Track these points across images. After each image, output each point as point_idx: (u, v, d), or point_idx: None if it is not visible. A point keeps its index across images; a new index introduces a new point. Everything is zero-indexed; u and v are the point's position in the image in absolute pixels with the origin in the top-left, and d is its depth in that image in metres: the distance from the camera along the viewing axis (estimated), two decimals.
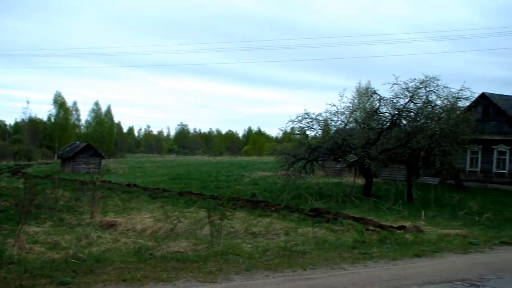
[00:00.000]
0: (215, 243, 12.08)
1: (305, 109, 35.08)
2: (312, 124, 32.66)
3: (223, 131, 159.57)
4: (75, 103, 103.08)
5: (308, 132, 33.68)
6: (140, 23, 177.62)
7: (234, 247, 11.67)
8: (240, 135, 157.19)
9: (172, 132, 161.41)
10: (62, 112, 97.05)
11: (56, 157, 77.00)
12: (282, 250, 11.56)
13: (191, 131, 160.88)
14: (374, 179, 36.51)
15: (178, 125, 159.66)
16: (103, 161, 60.12)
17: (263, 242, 13.84)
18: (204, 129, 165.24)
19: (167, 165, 66.53)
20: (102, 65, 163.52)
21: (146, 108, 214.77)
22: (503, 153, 41.08)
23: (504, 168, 41.04)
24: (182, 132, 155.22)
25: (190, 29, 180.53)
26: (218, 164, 66.87)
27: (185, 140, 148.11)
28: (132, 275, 8.93)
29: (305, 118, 32.25)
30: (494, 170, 41.62)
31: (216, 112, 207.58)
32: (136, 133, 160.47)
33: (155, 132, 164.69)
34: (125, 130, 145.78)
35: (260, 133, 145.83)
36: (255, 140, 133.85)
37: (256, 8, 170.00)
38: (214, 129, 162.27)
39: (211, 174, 45.91)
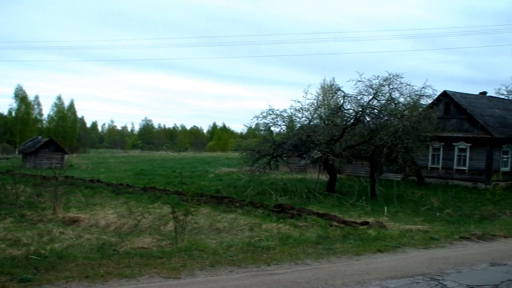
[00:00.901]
0: (179, 239, 12.03)
1: (269, 105, 35.14)
2: (277, 120, 32.76)
3: (188, 127, 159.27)
4: (37, 97, 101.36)
5: (272, 128, 33.77)
6: (105, 17, 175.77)
7: (198, 243, 11.65)
8: (205, 131, 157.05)
9: (136, 128, 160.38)
10: (24, 106, 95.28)
11: (17, 152, 75.80)
12: (246, 246, 11.58)
13: (156, 126, 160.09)
14: (338, 175, 36.79)
15: (143, 120, 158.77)
16: (66, 156, 59.37)
17: (228, 238, 13.85)
18: (169, 125, 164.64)
19: (131, 160, 66.07)
20: (66, 59, 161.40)
21: (110, 103, 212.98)
22: (464, 150, 41.82)
23: (464, 165, 41.79)
24: (147, 128, 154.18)
25: (156, 24, 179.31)
26: (183, 160, 66.68)
27: (149, 136, 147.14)
28: (95, 271, 8.85)
29: (270, 114, 32.32)
30: (455, 166, 42.34)
31: (181, 108, 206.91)
32: (99, 128, 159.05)
33: (119, 127, 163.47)
34: (88, 125, 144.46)
35: (225, 129, 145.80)
36: (220, 136, 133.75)
37: (223, 3, 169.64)
38: (178, 125, 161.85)
39: (175, 169, 45.74)
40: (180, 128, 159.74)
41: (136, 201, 24.55)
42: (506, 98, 61.18)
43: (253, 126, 38.65)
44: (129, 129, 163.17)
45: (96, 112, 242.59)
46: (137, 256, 10.16)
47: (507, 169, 42.13)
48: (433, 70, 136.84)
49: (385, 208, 24.41)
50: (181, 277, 8.81)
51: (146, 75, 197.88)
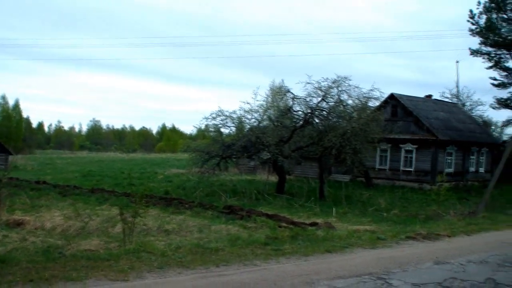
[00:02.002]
0: (127, 241, 11.90)
1: (219, 106, 35.21)
2: (226, 122, 32.75)
3: (137, 128, 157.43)
4: None
5: (222, 130, 33.80)
6: (54, 16, 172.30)
7: (147, 244, 11.54)
8: (154, 132, 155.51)
9: (84, 128, 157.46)
10: None
11: None
12: (195, 247, 11.53)
13: (104, 127, 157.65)
14: (287, 177, 37.03)
15: (91, 121, 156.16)
16: (10, 157, 57.79)
17: (176, 239, 13.75)
18: (118, 126, 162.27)
19: (78, 161, 65.02)
20: (10, 57, 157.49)
21: (57, 103, 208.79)
22: (410, 151, 42.67)
23: (411, 166, 42.65)
24: (95, 128, 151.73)
25: (105, 24, 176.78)
26: (132, 161, 66.03)
27: (97, 137, 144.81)
28: (39, 275, 8.66)
29: (220, 116, 32.29)
30: (402, 168, 43.18)
31: (130, 109, 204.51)
32: (46, 129, 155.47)
33: (66, 128, 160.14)
34: (34, 125, 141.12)
35: (174, 130, 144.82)
36: (170, 137, 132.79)
37: (174, 4, 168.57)
38: (127, 126, 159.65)
39: (124, 171, 45.18)
40: (129, 129, 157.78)
41: (84, 203, 24.08)
42: (450, 101, 62.63)
43: (202, 127, 38.67)
44: (76, 130, 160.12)
45: (42, 112, 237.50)
46: (84, 258, 9.99)
47: (451, 170, 43.20)
48: (381, 73, 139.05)
49: (334, 209, 24.65)
50: (129, 280, 8.72)
51: (95, 75, 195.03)
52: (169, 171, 48.14)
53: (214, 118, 32.31)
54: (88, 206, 22.83)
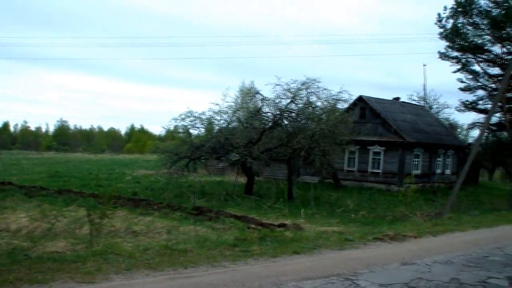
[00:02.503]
0: (94, 243, 11.79)
1: (188, 107, 35.11)
2: (195, 123, 32.62)
3: (105, 128, 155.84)
4: None
5: (191, 131, 33.62)
6: (20, 13, 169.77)
7: (114, 246, 11.44)
8: (123, 132, 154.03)
9: (51, 129, 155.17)
10: None
11: None
12: (163, 248, 11.46)
13: (72, 127, 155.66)
14: (256, 178, 37.08)
15: (58, 121, 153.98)
16: None
17: (144, 241, 13.67)
18: (86, 126, 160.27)
19: (45, 162, 63.99)
20: None
21: (23, 103, 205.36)
22: (378, 153, 43.07)
23: (378, 168, 43.06)
24: (62, 129, 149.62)
25: (75, 23, 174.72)
26: (99, 162, 65.33)
27: (65, 137, 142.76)
28: (4, 277, 8.52)
29: (189, 117, 32.15)
30: (370, 169, 43.58)
31: (98, 109, 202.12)
32: (12, 129, 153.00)
33: (32, 128, 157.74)
34: None
35: (143, 130, 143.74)
36: (138, 138, 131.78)
37: (144, 3, 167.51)
38: (95, 126, 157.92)
39: (91, 172, 44.63)
40: (97, 130, 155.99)
41: (50, 204, 23.73)
42: (417, 104, 63.50)
43: (171, 128, 38.42)
44: (43, 130, 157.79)
45: (8, 112, 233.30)
46: (50, 260, 9.85)
47: (418, 172, 43.73)
48: (350, 76, 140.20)
49: (302, 210, 24.77)
50: (96, 282, 8.63)
51: (63, 75, 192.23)
52: (137, 172, 47.78)
53: (183, 119, 32.20)
54: (55, 207, 22.50)
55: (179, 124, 32.89)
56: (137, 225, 17.69)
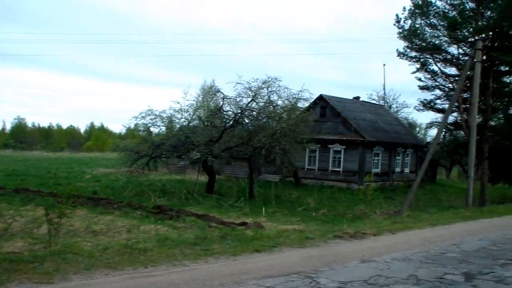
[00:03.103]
0: (53, 243, 11.60)
1: (148, 105, 34.95)
2: (156, 121, 32.46)
3: (64, 126, 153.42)
4: None
5: (152, 129, 33.44)
6: None
7: (73, 246, 11.28)
8: (82, 130, 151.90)
9: (8, 126, 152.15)
10: None
11: None
12: (123, 248, 11.35)
13: (30, 125, 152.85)
14: (217, 177, 37.06)
15: (15, 118, 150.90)
16: None
17: (104, 240, 13.52)
18: (44, 124, 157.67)
19: (2, 160, 62.74)
20: None
21: None
22: (339, 152, 43.46)
23: (339, 166, 43.45)
24: (19, 126, 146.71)
25: (32, 19, 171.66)
26: (58, 160, 64.38)
27: (22, 135, 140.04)
28: None
29: (149, 115, 31.99)
30: (330, 168, 43.95)
31: (57, 106, 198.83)
32: None
33: None
34: None
35: (103, 129, 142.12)
36: (98, 136, 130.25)
37: (101, 0, 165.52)
38: (54, 124, 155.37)
39: (50, 170, 43.98)
40: (56, 127, 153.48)
41: (7, 203, 23.26)
42: (377, 103, 64.30)
43: (132, 127, 38.09)
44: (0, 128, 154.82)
45: None
46: (7, 261, 9.65)
47: (378, 170, 44.27)
48: (311, 74, 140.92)
49: (263, 208, 24.83)
50: (54, 282, 8.50)
51: (19, 71, 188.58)
52: (97, 171, 47.26)
53: (143, 117, 32.01)
54: (12, 206, 22.10)
55: (140, 122, 32.72)
56: (97, 224, 17.51)
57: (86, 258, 10.11)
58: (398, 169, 48.67)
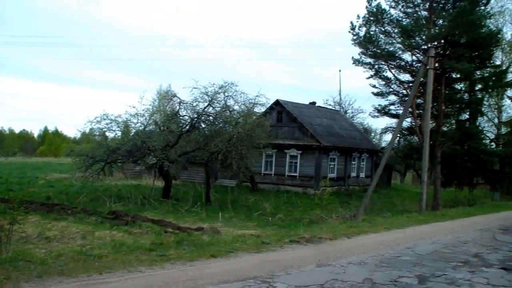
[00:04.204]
0: (3, 250, 11.33)
1: (104, 110, 34.55)
2: (111, 126, 32.11)
3: (17, 130, 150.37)
4: None
5: (107, 134, 33.08)
6: None
7: (25, 253, 11.05)
8: (36, 135, 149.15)
9: None
10: None
11: None
12: (77, 254, 11.17)
13: None
14: (174, 182, 36.86)
15: None
16: None
17: (58, 246, 13.28)
18: None
19: None
20: None
21: None
22: (295, 157, 43.70)
23: (295, 171, 43.69)
24: None
25: None
26: (10, 165, 62.98)
27: None
28: None
29: (104, 119, 31.63)
30: (287, 173, 44.15)
31: (9, 110, 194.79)
32: None
33: None
34: None
35: (57, 133, 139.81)
36: (52, 140, 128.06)
37: (59, 3, 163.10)
38: (6, 128, 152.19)
39: (1, 175, 42.84)
40: (8, 132, 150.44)
41: None
42: (333, 108, 64.97)
43: (87, 131, 37.60)
44: None
45: None
46: None
47: (333, 175, 44.66)
48: (268, 80, 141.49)
49: (220, 213, 24.81)
50: None
51: None
52: (51, 176, 46.46)
53: (99, 122, 31.65)
54: None
55: (95, 127, 32.35)
56: (50, 231, 17.18)
57: (39, 266, 9.91)
58: (353, 174, 49.18)
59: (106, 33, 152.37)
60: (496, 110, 51.48)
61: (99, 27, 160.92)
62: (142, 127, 32.86)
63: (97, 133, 33.72)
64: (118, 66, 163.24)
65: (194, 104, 32.40)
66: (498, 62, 46.52)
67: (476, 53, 37.21)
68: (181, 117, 33.16)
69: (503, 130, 51.83)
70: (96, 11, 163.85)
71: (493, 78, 41.17)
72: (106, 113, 31.71)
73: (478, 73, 40.86)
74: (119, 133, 33.76)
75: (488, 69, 41.45)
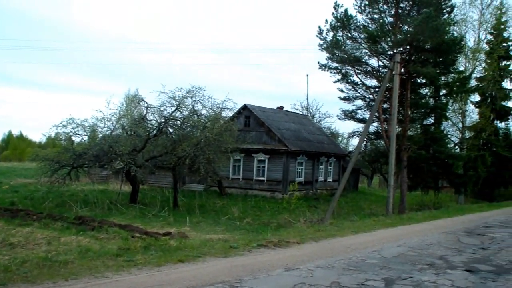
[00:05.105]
0: None
1: (70, 114, 34.29)
2: (78, 130, 31.79)
3: None
4: None
5: (73, 138, 32.76)
6: None
7: None
8: None
9: None
10: None
11: None
12: (42, 260, 11.02)
13: None
14: (141, 186, 36.61)
15: None
16: None
17: (22, 253, 13.09)
18: None
19: None
20: None
21: None
22: (263, 161, 43.77)
23: (263, 176, 43.76)
24: None
25: None
26: None
27: None
28: None
29: (71, 124, 31.29)
30: (255, 177, 44.18)
31: None
32: None
33: None
34: None
35: (22, 137, 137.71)
36: (16, 145, 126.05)
37: (22, 5, 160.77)
38: None
39: None
40: None
41: None
42: (300, 113, 65.29)
43: (52, 136, 37.18)
44: None
45: None
46: None
47: (301, 179, 44.83)
48: (237, 84, 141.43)
49: (188, 218, 24.75)
50: None
51: None
52: (15, 181, 45.78)
53: (65, 126, 31.30)
54: None
55: (61, 131, 32.01)
56: (14, 237, 16.91)
57: (2, 273, 9.75)
58: (321, 178, 49.43)
59: (73, 37, 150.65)
60: (460, 115, 52.26)
61: (65, 31, 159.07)
62: (109, 131, 32.63)
63: (63, 138, 33.41)
64: (86, 71, 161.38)
65: (162, 109, 32.39)
66: (462, 68, 47.26)
67: (441, 59, 37.75)
68: (148, 122, 33.03)
69: (467, 134, 52.70)
70: (63, 15, 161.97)
71: (457, 84, 41.77)
72: (72, 118, 31.44)
73: (443, 79, 41.47)
74: (86, 138, 33.50)
75: (452, 74, 42.10)
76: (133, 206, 30.17)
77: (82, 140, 33.53)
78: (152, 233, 18.25)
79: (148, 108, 32.70)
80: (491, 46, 50.98)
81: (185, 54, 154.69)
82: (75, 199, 31.41)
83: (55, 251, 13.00)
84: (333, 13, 37.66)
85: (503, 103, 53.22)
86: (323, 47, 38.11)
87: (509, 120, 55.66)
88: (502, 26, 51.34)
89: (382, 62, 38.35)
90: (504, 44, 51.80)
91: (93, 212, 26.60)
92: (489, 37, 51.97)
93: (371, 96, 41.07)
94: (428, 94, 43.51)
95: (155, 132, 32.42)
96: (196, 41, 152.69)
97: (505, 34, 52.08)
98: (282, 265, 11.56)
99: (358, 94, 42.88)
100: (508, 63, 53.25)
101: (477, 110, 53.44)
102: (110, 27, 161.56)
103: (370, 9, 38.45)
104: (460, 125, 52.54)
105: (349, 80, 41.34)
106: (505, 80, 53.41)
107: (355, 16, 37.87)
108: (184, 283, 9.45)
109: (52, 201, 30.32)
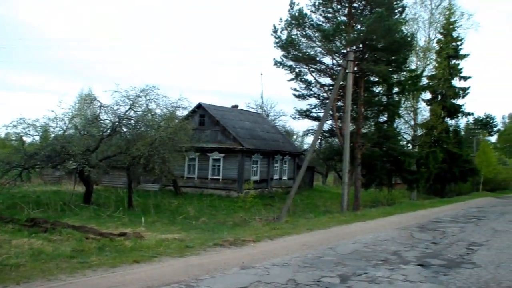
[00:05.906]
0: None
1: (20, 113, 33.54)
2: (29, 130, 31.05)
3: None
4: None
5: (25, 138, 32.11)
6: None
7: None
8: None
9: None
10: None
11: None
12: None
13: None
14: (95, 187, 36.16)
15: None
16: None
17: None
18: None
19: None
20: None
21: None
22: (218, 160, 43.75)
23: (218, 174, 43.74)
24: None
25: None
26: None
27: None
28: None
29: (21, 124, 30.51)
30: (210, 176, 44.13)
31: None
32: None
33: None
34: None
35: None
36: None
37: None
38: None
39: None
40: None
41: None
42: (255, 111, 65.42)
43: (2, 136, 36.42)
44: None
45: None
46: None
47: (256, 178, 44.97)
48: (192, 83, 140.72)
49: (143, 218, 24.51)
50: None
51: None
52: None
53: (15, 126, 30.51)
54: None
55: (11, 131, 31.27)
56: None
57: None
58: (276, 176, 49.64)
59: (22, 35, 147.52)
60: (412, 113, 53.31)
61: (15, 28, 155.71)
62: (62, 131, 32.04)
63: (14, 138, 32.75)
64: (37, 68, 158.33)
65: (115, 108, 31.99)
66: (413, 67, 48.23)
67: (393, 57, 38.39)
68: (102, 121, 32.60)
69: (419, 131, 53.78)
70: (11, 11, 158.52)
71: (409, 82, 42.54)
72: (23, 117, 30.71)
73: (395, 77, 42.19)
74: (37, 138, 32.87)
75: (404, 73, 42.90)
76: (87, 207, 29.73)
77: (34, 140, 32.94)
78: (107, 234, 18.01)
79: (102, 108, 32.30)
80: (441, 45, 52.30)
81: (141, 53, 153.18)
82: (27, 201, 30.77)
83: (6, 254, 12.72)
84: (289, 11, 37.78)
85: (453, 101, 54.61)
86: (278, 45, 38.24)
87: (459, 118, 57.22)
88: (451, 26, 52.65)
89: (336, 60, 38.71)
90: (454, 43, 53.21)
91: (45, 214, 26.10)
92: (439, 36, 53.33)
93: (325, 95, 41.38)
94: (381, 92, 44.13)
95: (109, 131, 32.02)
96: (152, 40, 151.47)
97: (454, 34, 53.45)
98: (238, 263, 11.58)
99: (312, 92, 43.13)
100: (457, 62, 54.67)
101: (428, 108, 54.76)
102: (66, 26, 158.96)
103: (324, 8, 38.81)
104: (412, 122, 53.58)
105: (303, 79, 41.55)
106: (455, 78, 54.87)
107: (310, 14, 38.18)
108: (139, 284, 9.38)
109: (3, 203, 29.67)
